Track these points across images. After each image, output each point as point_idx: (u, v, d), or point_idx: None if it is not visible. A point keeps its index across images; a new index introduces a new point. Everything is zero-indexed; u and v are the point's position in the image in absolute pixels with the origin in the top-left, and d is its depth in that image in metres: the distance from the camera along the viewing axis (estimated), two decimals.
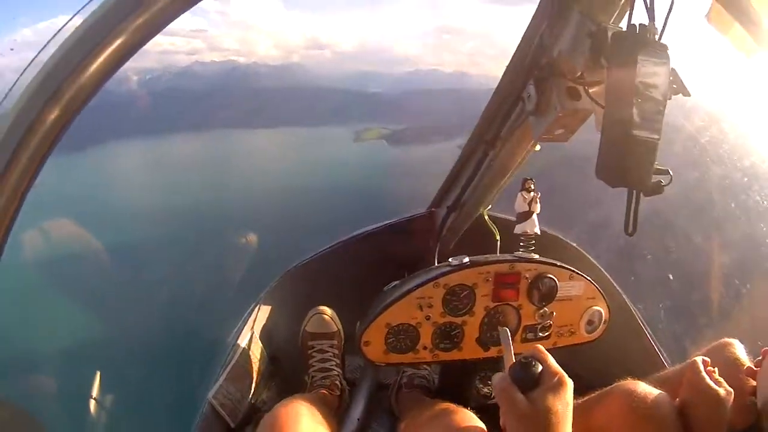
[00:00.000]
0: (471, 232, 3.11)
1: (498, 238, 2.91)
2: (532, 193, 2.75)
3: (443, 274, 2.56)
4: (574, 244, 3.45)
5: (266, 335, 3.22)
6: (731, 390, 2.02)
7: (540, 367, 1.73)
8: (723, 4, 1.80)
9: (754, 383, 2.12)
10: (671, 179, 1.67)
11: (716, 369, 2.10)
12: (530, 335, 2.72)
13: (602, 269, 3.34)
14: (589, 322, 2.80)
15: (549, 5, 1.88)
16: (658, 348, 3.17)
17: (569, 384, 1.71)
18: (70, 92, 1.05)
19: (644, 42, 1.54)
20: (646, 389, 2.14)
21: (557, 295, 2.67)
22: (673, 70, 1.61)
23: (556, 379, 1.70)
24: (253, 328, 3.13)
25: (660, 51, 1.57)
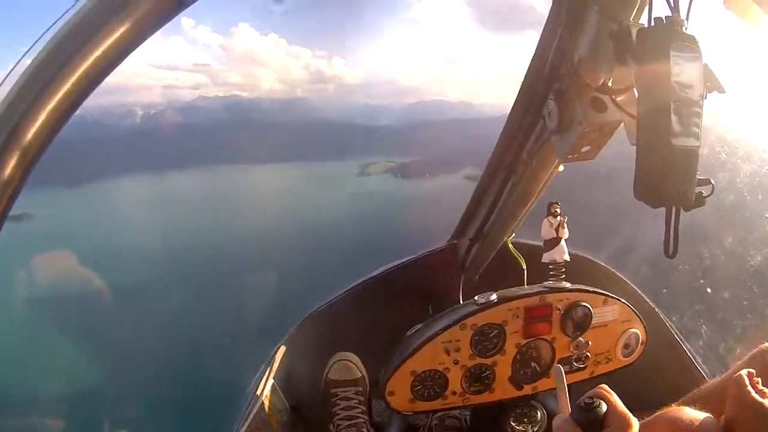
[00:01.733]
0: (496, 262, 2.97)
1: (524, 267, 2.78)
2: (558, 218, 2.60)
3: (469, 315, 2.45)
4: (604, 264, 3.28)
5: (287, 384, 3.08)
6: None
7: (604, 408, 1.62)
8: None
9: None
10: (713, 189, 1.52)
11: (760, 379, 1.92)
12: (566, 368, 2.52)
13: (635, 287, 3.18)
14: (626, 346, 2.67)
15: (562, 8, 1.74)
16: (696, 361, 3.02)
17: (635, 425, 1.59)
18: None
19: (674, 35, 1.39)
20: (691, 415, 1.99)
21: (592, 323, 2.53)
22: (705, 65, 1.45)
23: (623, 420, 1.59)
24: (272, 376, 2.99)
25: (691, 44, 1.41)
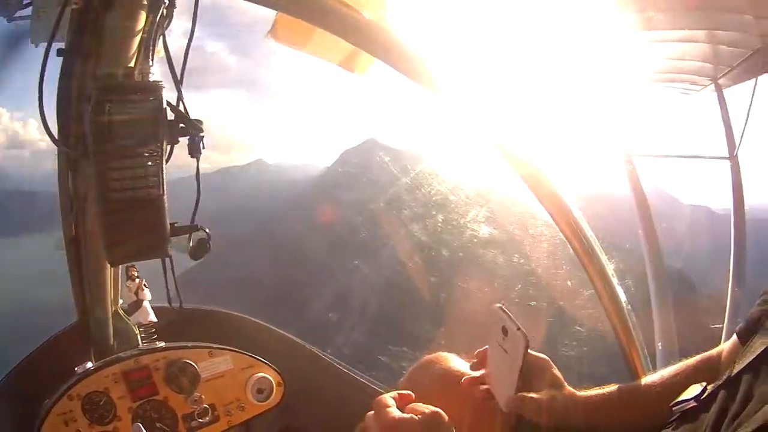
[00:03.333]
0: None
1: (137, 332, 2.71)
2: (137, 281, 2.58)
3: (72, 385, 2.37)
4: (243, 315, 3.23)
5: None
6: (436, 410, 1.54)
7: None
8: (292, 12, 1.68)
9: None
10: (209, 235, 1.51)
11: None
12: (195, 424, 2.56)
13: (277, 329, 3.19)
14: (259, 391, 2.68)
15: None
16: (370, 381, 3.10)
17: None
18: None
19: (117, 88, 1.39)
20: None
21: (203, 377, 2.53)
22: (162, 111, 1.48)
23: None
24: None
25: (141, 91, 1.45)
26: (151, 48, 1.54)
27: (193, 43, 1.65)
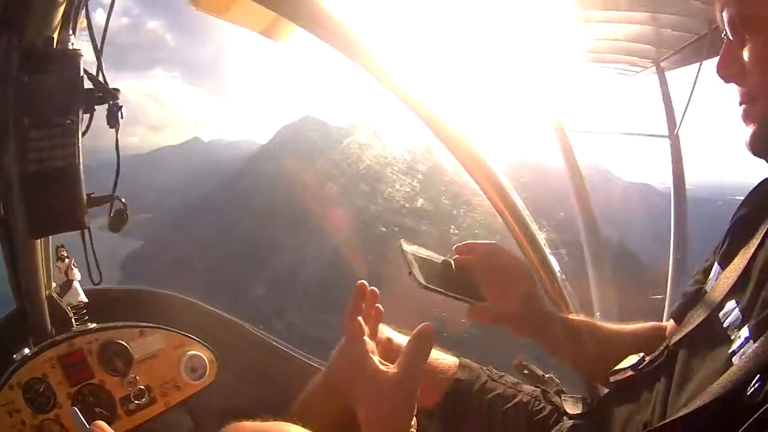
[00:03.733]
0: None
1: (71, 315, 2.61)
2: (66, 261, 2.51)
3: (11, 374, 2.28)
4: (175, 294, 3.10)
5: None
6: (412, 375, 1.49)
7: None
8: None
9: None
10: (125, 206, 1.52)
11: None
12: (133, 406, 2.51)
13: (207, 306, 3.11)
14: (193, 370, 2.64)
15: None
16: (301, 355, 3.09)
17: None
18: None
19: (35, 58, 1.41)
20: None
21: (136, 357, 2.49)
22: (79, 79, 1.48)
23: None
24: None
25: (58, 60, 1.46)
26: (72, 17, 1.52)
27: (130, 20, 1.66)
